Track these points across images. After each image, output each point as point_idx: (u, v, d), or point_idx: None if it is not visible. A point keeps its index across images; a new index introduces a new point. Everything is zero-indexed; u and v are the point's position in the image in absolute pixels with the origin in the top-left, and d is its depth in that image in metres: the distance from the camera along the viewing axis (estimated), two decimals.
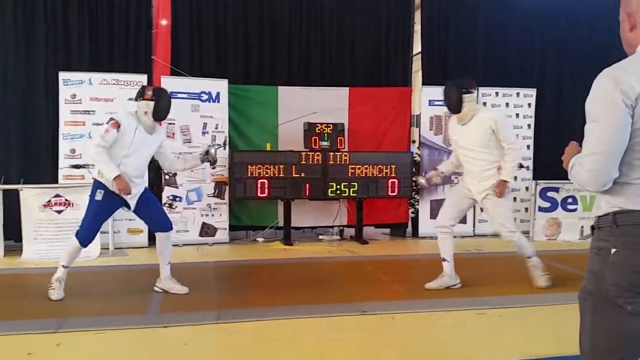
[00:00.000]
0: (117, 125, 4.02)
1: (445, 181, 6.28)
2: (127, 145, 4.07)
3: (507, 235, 4.52)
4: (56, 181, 6.08)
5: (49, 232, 5.76)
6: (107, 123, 4.06)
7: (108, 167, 4.00)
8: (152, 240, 6.51)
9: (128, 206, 4.25)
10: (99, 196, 4.09)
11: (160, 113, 4.19)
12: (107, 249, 5.97)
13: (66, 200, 5.83)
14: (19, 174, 6.06)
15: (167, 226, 4.40)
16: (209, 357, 3.21)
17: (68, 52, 6.46)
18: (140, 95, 4.17)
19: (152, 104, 4.12)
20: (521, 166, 7.21)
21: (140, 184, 4.26)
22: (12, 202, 5.80)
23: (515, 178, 7.45)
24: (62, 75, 6.15)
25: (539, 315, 3.99)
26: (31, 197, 5.72)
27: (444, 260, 4.60)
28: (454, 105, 4.41)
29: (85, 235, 4.16)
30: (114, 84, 6.26)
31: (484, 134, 4.33)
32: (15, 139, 6.32)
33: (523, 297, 4.39)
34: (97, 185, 4.11)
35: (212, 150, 4.49)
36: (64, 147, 6.16)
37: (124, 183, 4.00)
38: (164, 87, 6.36)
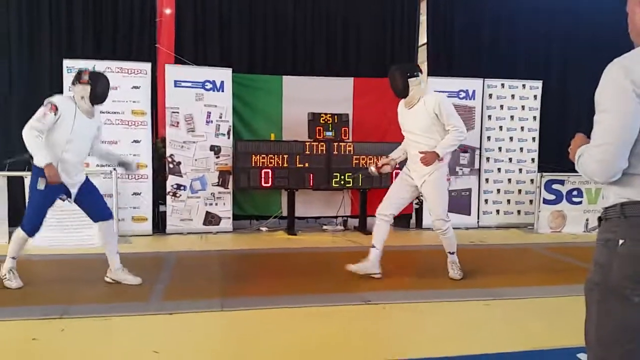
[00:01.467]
0: (55, 109, 3.89)
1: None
2: (68, 131, 3.96)
3: (438, 223, 4.44)
4: None
5: (52, 219, 5.73)
6: (44, 106, 3.92)
7: (40, 152, 3.86)
8: (156, 228, 6.56)
9: (69, 194, 4.14)
10: (41, 185, 3.94)
11: (97, 97, 4.06)
12: None
13: None
14: (24, 162, 6.06)
15: (107, 215, 4.29)
16: (213, 344, 3.22)
17: (72, 40, 6.46)
18: (77, 79, 4.06)
19: (88, 88, 4.00)
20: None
21: (81, 172, 4.19)
22: (16, 190, 5.81)
23: (521, 170, 7.45)
24: (66, 63, 6.14)
25: (544, 306, 3.98)
26: None
27: (373, 246, 4.52)
28: (400, 90, 4.36)
29: (32, 227, 4.08)
30: (118, 72, 6.24)
31: (428, 117, 4.28)
32: (19, 126, 6.26)
33: (527, 288, 4.38)
34: (38, 172, 3.94)
35: (130, 167, 4.50)
36: None
37: (54, 171, 3.87)
38: (169, 74, 6.41)
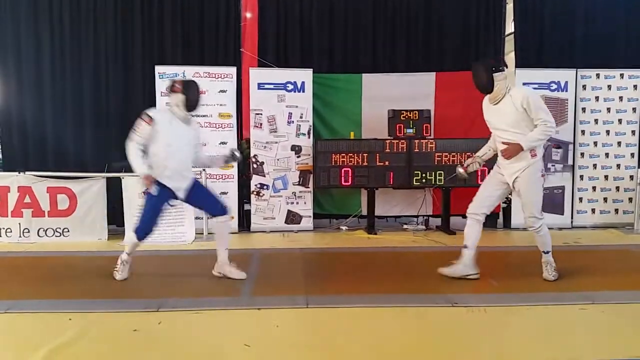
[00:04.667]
0: (150, 120, 4.16)
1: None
2: (167, 139, 4.20)
3: (531, 220, 4.28)
4: None
5: None
6: (141, 118, 4.20)
7: (136, 163, 4.15)
8: (241, 226, 6.79)
9: (176, 197, 4.37)
10: (154, 191, 4.21)
11: (191, 104, 4.27)
12: (202, 234, 6.26)
13: None
14: (121, 164, 6.49)
15: (220, 210, 4.47)
16: (299, 339, 3.28)
17: (162, 47, 6.84)
18: (171, 89, 4.31)
19: (181, 96, 4.23)
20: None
21: (186, 178, 4.38)
22: (115, 190, 6.23)
23: (619, 166, 6.95)
24: (158, 69, 6.50)
25: None
26: (132, 184, 6.11)
27: (465, 247, 4.41)
28: (485, 85, 4.23)
29: (144, 232, 4.33)
30: (206, 76, 6.52)
31: (516, 113, 4.13)
32: (116, 131, 6.76)
33: (628, 292, 4.07)
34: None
35: (237, 154, 4.69)
36: None
37: (151, 180, 4.14)
38: (253, 77, 6.61)
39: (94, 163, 6.61)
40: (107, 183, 6.22)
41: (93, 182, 6.17)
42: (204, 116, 6.50)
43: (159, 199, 4.26)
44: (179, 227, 6.11)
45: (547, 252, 4.42)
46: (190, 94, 4.26)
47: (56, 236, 6.12)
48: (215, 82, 6.54)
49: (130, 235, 4.47)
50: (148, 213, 4.31)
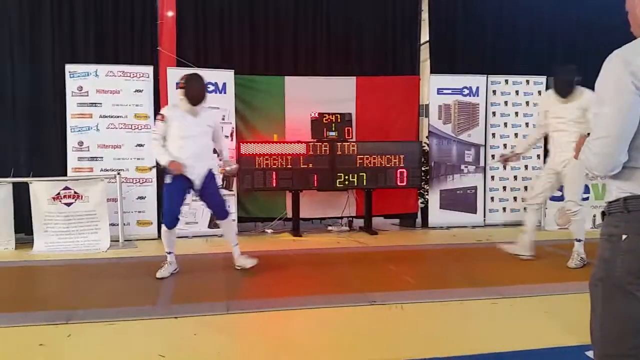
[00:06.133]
0: (162, 118, 4.53)
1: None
2: (178, 131, 4.49)
3: (571, 204, 4.95)
4: (65, 174, 6.11)
5: (58, 225, 5.79)
6: (156, 118, 4.71)
7: (162, 156, 4.50)
8: (161, 232, 6.55)
9: (192, 186, 4.63)
10: (168, 179, 4.54)
11: (192, 98, 4.52)
12: (117, 241, 5.98)
13: (75, 192, 5.85)
14: (28, 167, 6.10)
15: (220, 215, 4.84)
16: (218, 347, 3.21)
17: (74, 45, 6.46)
18: (177, 85, 4.69)
19: (184, 91, 4.51)
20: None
21: (201, 166, 4.61)
22: (22, 196, 5.84)
23: (527, 167, 7.41)
24: (69, 68, 6.17)
25: (551, 304, 3.95)
26: (40, 190, 5.75)
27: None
28: (569, 92, 4.88)
29: (169, 219, 4.59)
30: (120, 75, 6.26)
31: (580, 110, 4.79)
32: (23, 132, 6.35)
33: (535, 286, 4.36)
34: (164, 171, 4.61)
35: (229, 168, 4.98)
36: (71, 139, 6.18)
37: (176, 164, 4.44)
38: (171, 77, 6.43)
39: None
40: (13, 189, 5.80)
41: None
42: (118, 117, 6.24)
43: (173, 186, 4.52)
44: (92, 235, 5.83)
45: (579, 241, 5.01)
46: (189, 88, 4.50)
47: None
48: (131, 82, 6.29)
49: (162, 228, 4.70)
50: (167, 201, 4.61)
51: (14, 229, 5.83)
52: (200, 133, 4.60)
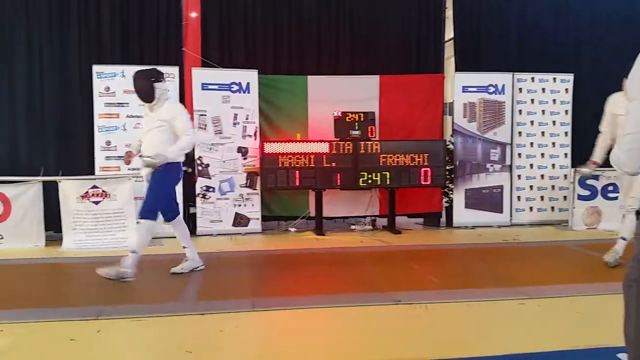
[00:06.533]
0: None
1: None
2: (144, 126, 4.69)
3: (632, 200, 4.71)
4: (93, 173, 6.23)
5: (87, 223, 5.91)
6: None
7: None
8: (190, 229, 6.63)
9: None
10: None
11: (138, 96, 4.59)
12: None
13: (103, 191, 5.96)
14: (57, 167, 6.24)
15: (140, 213, 4.48)
16: (244, 344, 3.24)
17: (100, 46, 6.59)
18: None
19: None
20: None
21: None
22: (52, 194, 5.97)
23: (554, 166, 7.29)
24: (96, 69, 6.28)
25: (581, 305, 3.86)
26: (69, 188, 5.88)
27: (622, 238, 4.81)
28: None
29: (150, 212, 4.51)
30: None
31: None
32: (52, 133, 6.50)
33: (563, 287, 4.28)
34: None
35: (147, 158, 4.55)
36: (99, 139, 6.30)
37: (125, 155, 4.71)
38: (196, 77, 6.51)
39: (29, 166, 6.29)
40: (43, 187, 5.94)
41: (28, 186, 5.88)
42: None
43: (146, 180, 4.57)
44: (119, 232, 5.93)
45: (624, 240, 4.79)
46: (134, 87, 4.56)
47: None
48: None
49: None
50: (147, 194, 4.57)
51: (44, 226, 5.97)
52: (153, 128, 4.52)
